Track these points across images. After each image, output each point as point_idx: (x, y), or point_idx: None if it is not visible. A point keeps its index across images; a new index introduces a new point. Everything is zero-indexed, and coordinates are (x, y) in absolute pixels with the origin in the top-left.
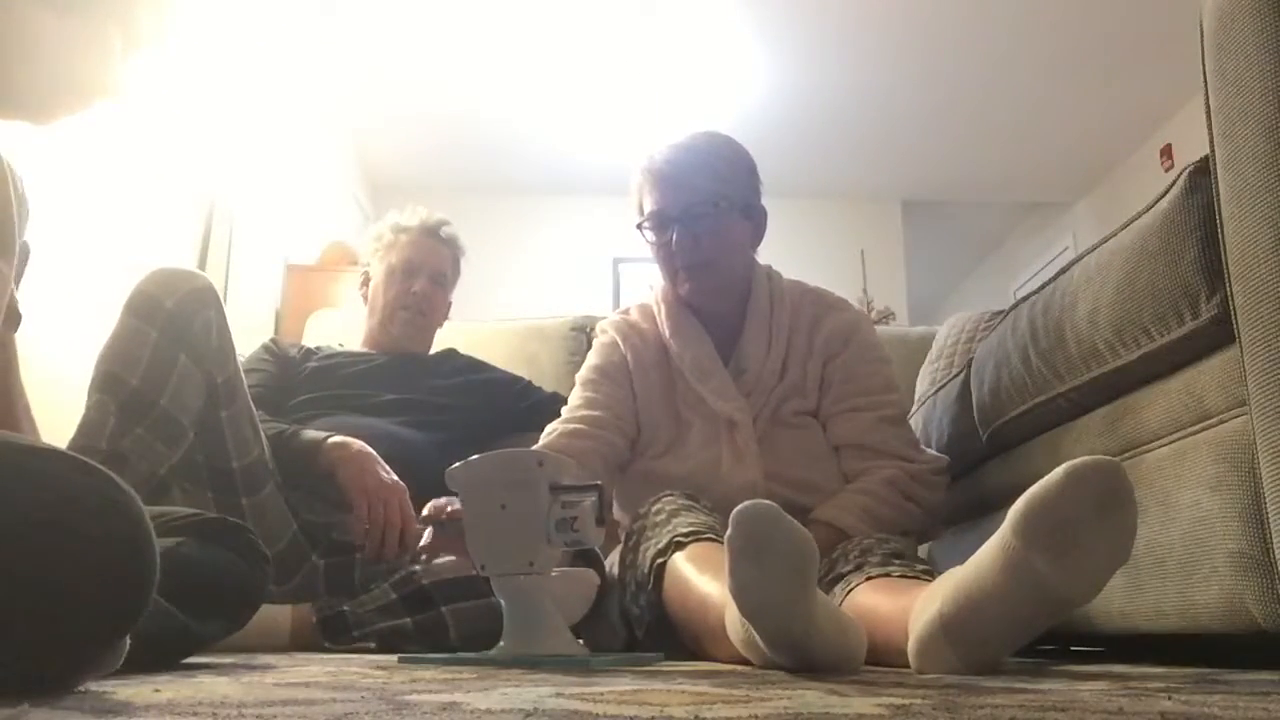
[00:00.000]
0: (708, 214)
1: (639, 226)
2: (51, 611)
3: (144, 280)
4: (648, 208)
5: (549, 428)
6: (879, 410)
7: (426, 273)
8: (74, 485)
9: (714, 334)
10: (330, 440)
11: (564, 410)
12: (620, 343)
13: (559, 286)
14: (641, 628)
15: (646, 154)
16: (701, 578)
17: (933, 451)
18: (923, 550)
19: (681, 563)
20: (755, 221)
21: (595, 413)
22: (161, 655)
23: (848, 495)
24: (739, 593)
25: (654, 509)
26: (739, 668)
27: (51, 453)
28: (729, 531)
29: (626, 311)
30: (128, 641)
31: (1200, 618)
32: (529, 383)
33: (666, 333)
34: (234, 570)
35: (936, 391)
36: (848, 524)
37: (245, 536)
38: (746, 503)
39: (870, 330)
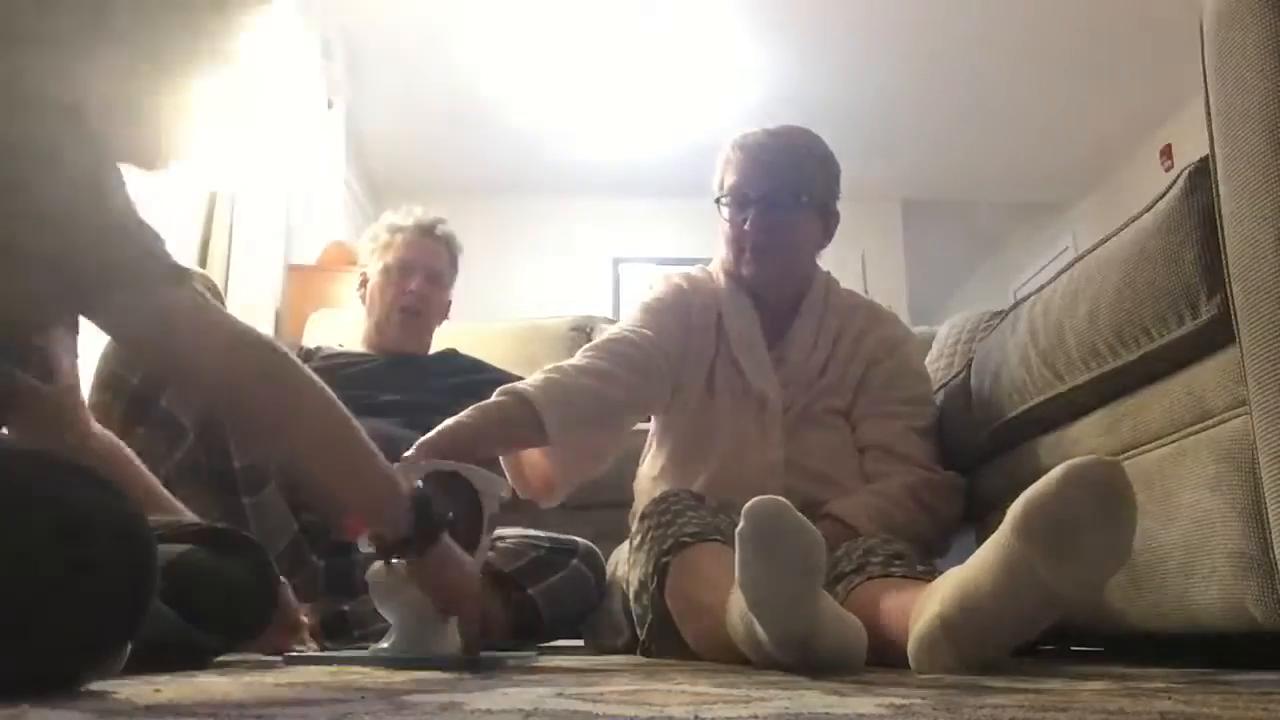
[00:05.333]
0: (788, 204)
1: (717, 200)
2: (53, 619)
3: None
4: (729, 182)
5: (597, 345)
6: (912, 420)
7: (423, 271)
8: (78, 495)
9: (765, 319)
10: None
11: (617, 328)
12: (690, 291)
13: (559, 286)
14: (643, 627)
15: (741, 132)
16: (705, 579)
17: (950, 472)
18: None
19: (685, 564)
20: (828, 222)
21: (631, 333)
22: (161, 660)
23: (863, 495)
24: (746, 585)
25: (659, 508)
26: (739, 667)
27: (57, 462)
28: (740, 524)
29: (690, 271)
30: (129, 647)
31: (1200, 618)
32: None
33: (723, 298)
34: (241, 583)
35: (937, 391)
36: (859, 523)
37: (257, 551)
38: (760, 497)
39: (915, 348)
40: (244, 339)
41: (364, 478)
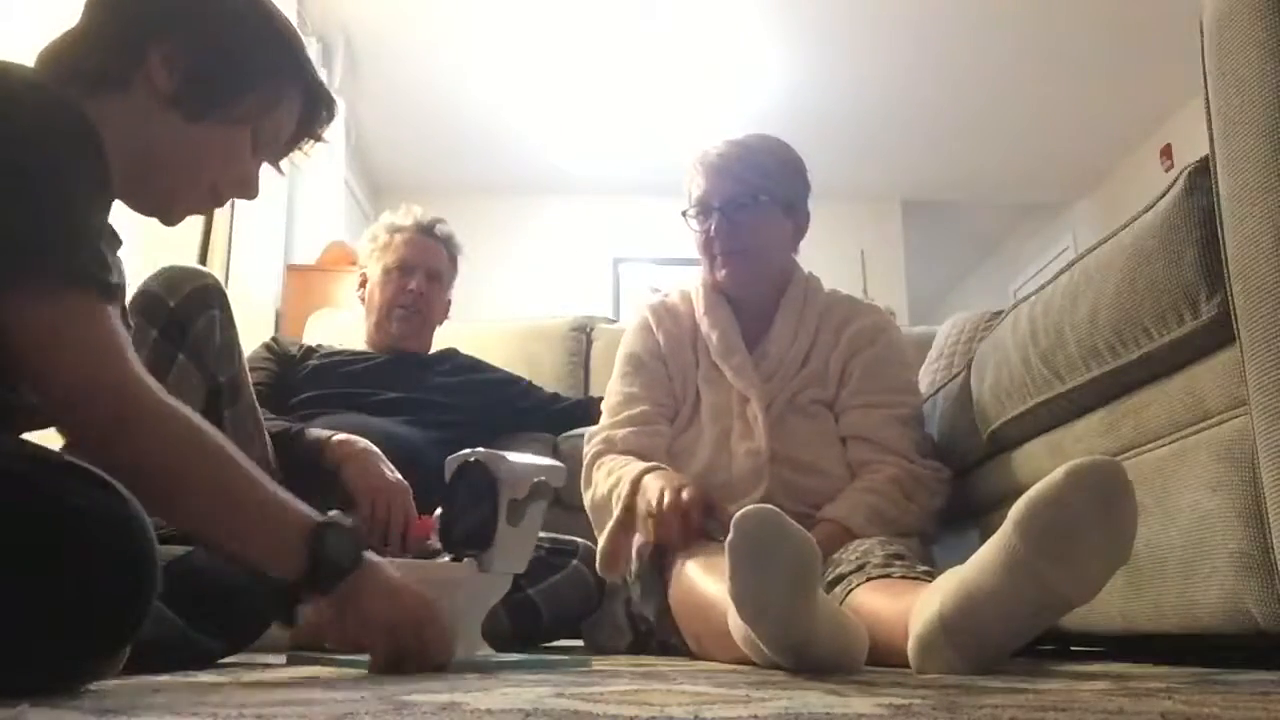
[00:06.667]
0: (748, 205)
1: (684, 214)
2: (53, 619)
3: (150, 278)
4: (694, 195)
5: (602, 437)
6: (893, 409)
7: (422, 271)
8: (78, 495)
9: (745, 323)
10: (335, 438)
11: (606, 406)
12: (654, 327)
13: (559, 286)
14: (645, 623)
15: (702, 148)
16: (706, 578)
17: (935, 462)
18: None
19: (687, 563)
20: (796, 221)
21: (640, 409)
22: (160, 661)
23: (855, 494)
24: (739, 599)
25: None
26: (739, 667)
27: (60, 464)
28: (730, 536)
29: (667, 295)
30: (129, 647)
31: (1200, 618)
32: (529, 383)
33: (700, 312)
34: (243, 586)
35: (936, 391)
36: (855, 524)
37: None
38: (749, 507)
39: (897, 336)
40: (139, 381)
41: (242, 520)
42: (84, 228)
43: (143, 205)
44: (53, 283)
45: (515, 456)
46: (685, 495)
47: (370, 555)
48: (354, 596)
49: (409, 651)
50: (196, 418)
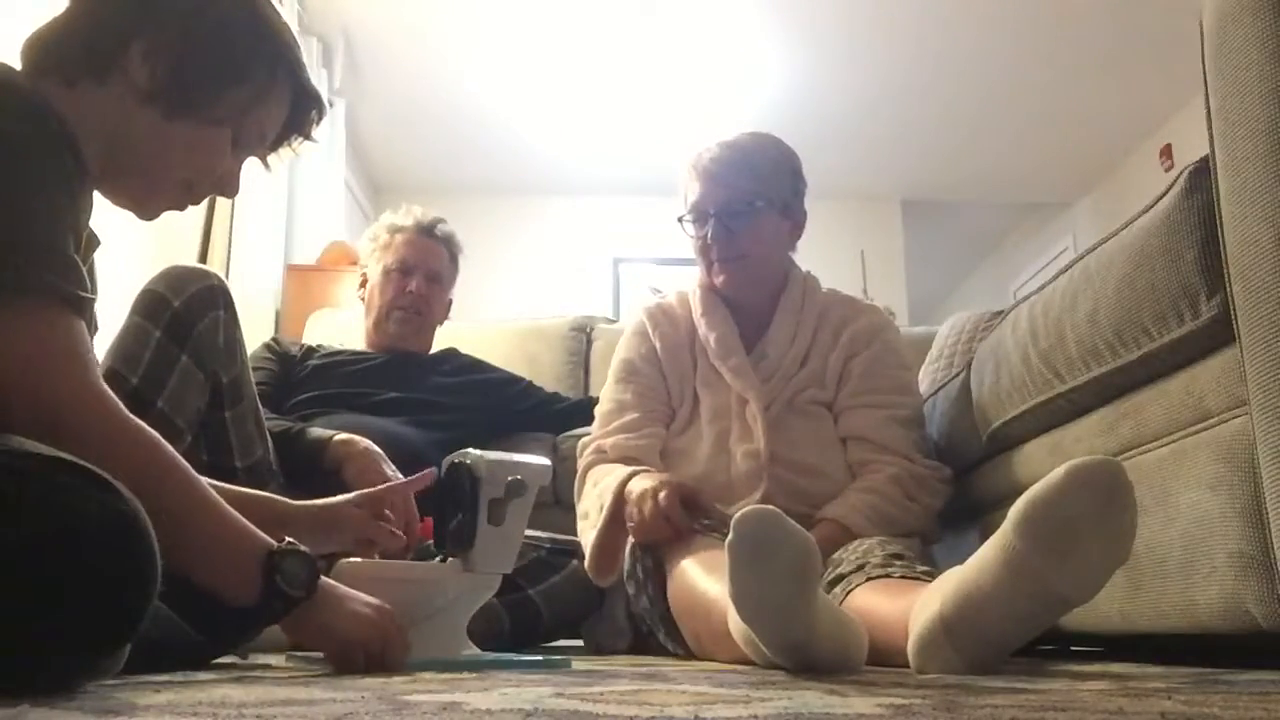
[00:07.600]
0: (744, 211)
1: (680, 219)
2: (53, 619)
3: (154, 279)
4: (690, 200)
5: (594, 447)
6: (891, 409)
7: (422, 271)
8: (78, 495)
9: (743, 324)
10: (337, 438)
11: (598, 413)
12: (650, 331)
13: (559, 286)
14: (645, 623)
15: (695, 150)
16: (705, 578)
17: (935, 462)
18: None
19: (686, 562)
20: (794, 220)
21: (631, 416)
22: (161, 660)
23: (855, 494)
24: (739, 599)
25: None
26: (739, 667)
27: (60, 462)
28: (730, 536)
29: (664, 298)
30: (129, 647)
31: (1200, 618)
32: (529, 383)
33: (697, 314)
34: None
35: (936, 391)
36: (855, 523)
37: None
38: (748, 508)
39: (896, 336)
40: (99, 391)
41: (197, 544)
42: (48, 235)
43: (118, 198)
44: (10, 294)
45: (495, 456)
46: (662, 499)
47: (323, 579)
48: (311, 617)
49: (371, 661)
50: (156, 437)
